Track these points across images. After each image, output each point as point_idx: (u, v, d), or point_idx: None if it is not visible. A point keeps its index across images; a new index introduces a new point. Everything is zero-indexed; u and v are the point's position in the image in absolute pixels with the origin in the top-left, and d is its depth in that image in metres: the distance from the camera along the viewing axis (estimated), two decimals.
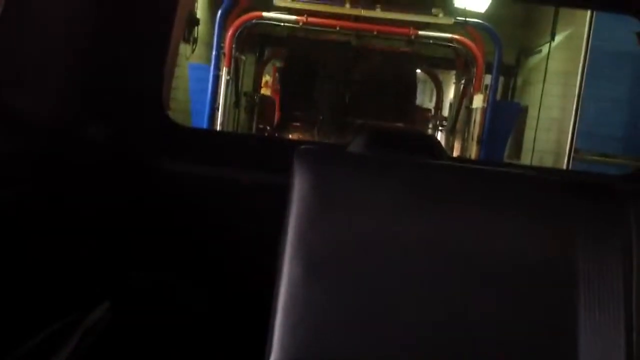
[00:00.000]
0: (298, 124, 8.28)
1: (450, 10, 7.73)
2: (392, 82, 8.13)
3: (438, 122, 9.03)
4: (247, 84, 8.85)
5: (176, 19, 1.83)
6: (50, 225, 1.48)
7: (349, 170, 1.22)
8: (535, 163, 8.10)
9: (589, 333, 1.13)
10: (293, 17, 7.52)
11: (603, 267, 1.16)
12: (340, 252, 1.15)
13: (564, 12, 8.09)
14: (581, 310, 1.14)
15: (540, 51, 9.01)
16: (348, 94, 8.25)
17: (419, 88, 9.66)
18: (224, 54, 7.40)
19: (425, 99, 12.06)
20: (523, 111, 8.78)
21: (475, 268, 1.15)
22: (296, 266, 1.13)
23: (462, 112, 8.25)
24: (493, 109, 7.46)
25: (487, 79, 7.87)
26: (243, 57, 7.99)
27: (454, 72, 9.09)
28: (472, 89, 7.73)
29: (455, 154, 7.96)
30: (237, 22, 7.46)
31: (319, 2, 7.53)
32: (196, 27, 8.05)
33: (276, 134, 8.34)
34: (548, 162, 8.10)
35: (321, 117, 8.08)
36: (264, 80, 9.94)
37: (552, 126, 8.35)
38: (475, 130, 7.60)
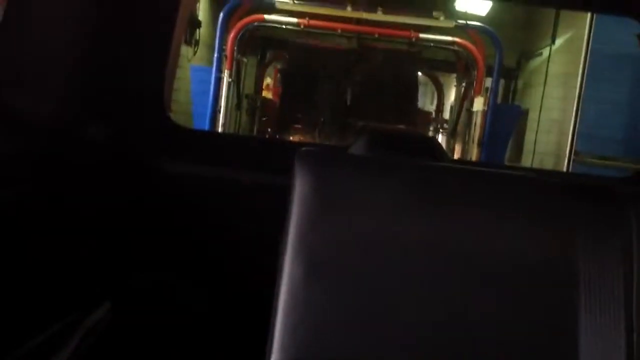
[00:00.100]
0: (299, 125, 8.26)
1: (451, 13, 7.76)
2: (393, 84, 8.12)
3: (439, 125, 9.02)
4: (248, 86, 8.85)
5: (177, 19, 1.83)
6: (51, 225, 1.48)
7: (349, 172, 1.22)
8: (535, 165, 8.11)
9: (589, 334, 1.13)
10: (295, 20, 7.53)
11: (603, 268, 1.16)
12: (340, 253, 1.15)
13: (565, 15, 8.10)
14: (581, 311, 1.14)
15: (541, 54, 9.02)
16: (349, 96, 8.23)
17: (420, 91, 9.64)
18: (226, 56, 7.40)
19: (426, 102, 12.05)
20: (524, 114, 8.79)
21: (476, 269, 1.15)
22: (297, 267, 1.13)
23: (463, 114, 8.24)
24: (494, 111, 7.44)
25: (488, 82, 7.86)
26: (245, 60, 7.99)
27: (454, 75, 9.09)
28: (472, 92, 7.72)
29: (456, 156, 7.94)
30: (239, 25, 7.46)
31: (320, 5, 7.53)
32: (198, 29, 8.06)
33: (277, 136, 8.34)
34: (548, 164, 8.11)
35: (322, 119, 8.07)
36: (265, 82, 9.94)
37: (552, 128, 8.36)
38: (476, 132, 7.59)
